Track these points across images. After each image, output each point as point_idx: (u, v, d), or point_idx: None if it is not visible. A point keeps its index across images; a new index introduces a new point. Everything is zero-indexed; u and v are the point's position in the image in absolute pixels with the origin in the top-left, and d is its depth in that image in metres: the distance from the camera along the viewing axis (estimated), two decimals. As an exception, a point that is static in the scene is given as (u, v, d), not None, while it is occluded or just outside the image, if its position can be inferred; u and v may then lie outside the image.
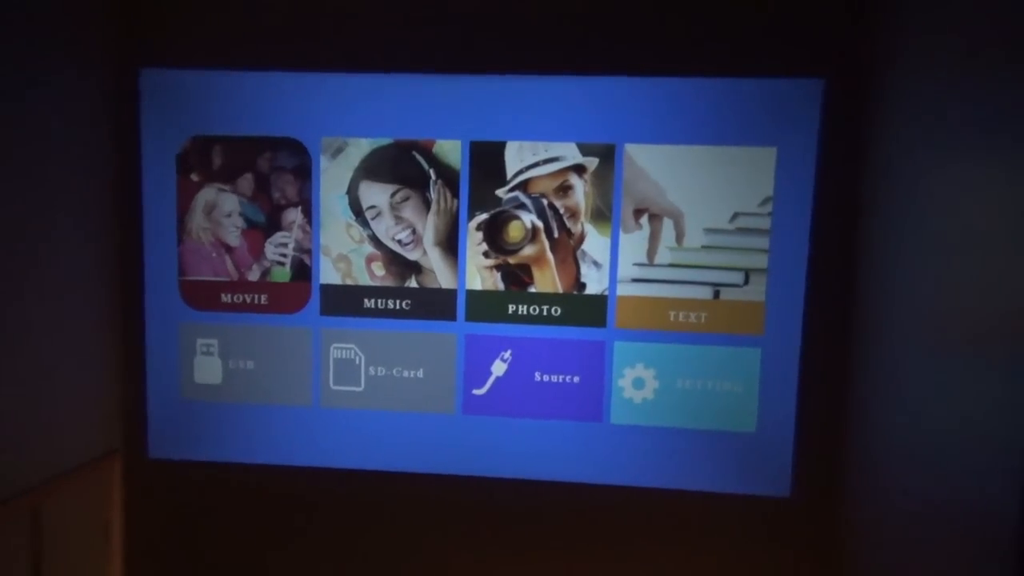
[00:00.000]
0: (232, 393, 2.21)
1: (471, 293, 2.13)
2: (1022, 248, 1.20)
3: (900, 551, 1.68)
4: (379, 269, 2.15)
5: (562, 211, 2.08)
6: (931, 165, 1.59)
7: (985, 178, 1.37)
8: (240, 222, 2.16)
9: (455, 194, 2.10)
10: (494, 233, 2.10)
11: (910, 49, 1.73)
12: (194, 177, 2.16)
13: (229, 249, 2.18)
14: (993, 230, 1.33)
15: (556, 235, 2.08)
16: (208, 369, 2.21)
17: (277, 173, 2.14)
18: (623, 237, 2.07)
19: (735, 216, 2.04)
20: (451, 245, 2.12)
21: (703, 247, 2.06)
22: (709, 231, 2.05)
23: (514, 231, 2.09)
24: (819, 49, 1.98)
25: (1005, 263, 1.26)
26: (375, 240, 2.14)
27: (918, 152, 1.66)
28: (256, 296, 2.18)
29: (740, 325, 2.07)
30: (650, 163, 2.04)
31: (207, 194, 2.16)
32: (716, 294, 2.07)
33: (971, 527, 1.35)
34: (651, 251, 2.07)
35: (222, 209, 2.16)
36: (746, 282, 2.06)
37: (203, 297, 2.19)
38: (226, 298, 2.18)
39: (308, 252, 2.15)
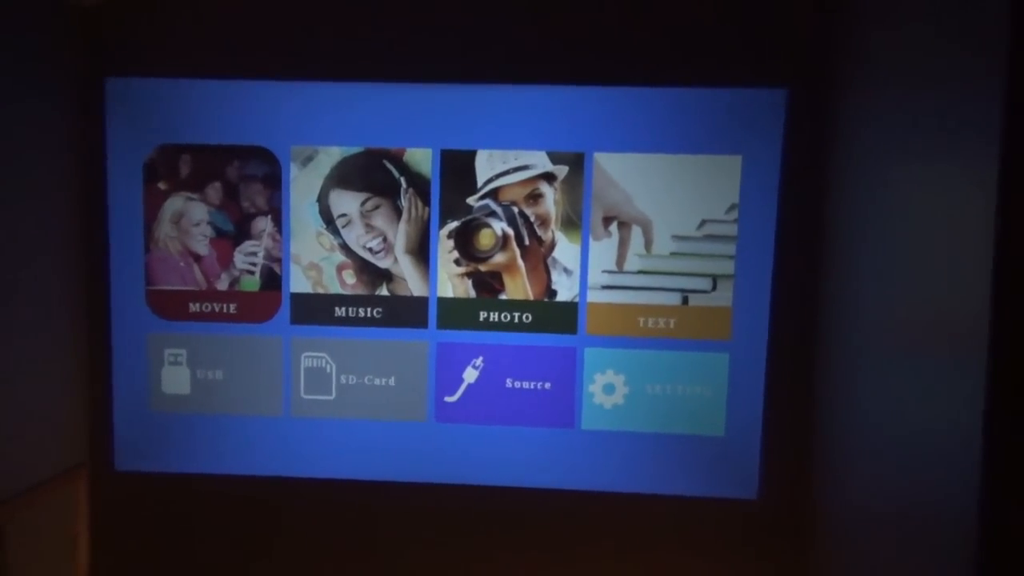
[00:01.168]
0: (201, 403, 2.19)
1: (442, 301, 2.13)
2: (977, 254, 1.23)
3: (865, 552, 1.71)
4: (350, 277, 2.14)
5: (532, 219, 2.09)
6: (890, 172, 1.64)
7: (942, 185, 1.41)
8: (209, 231, 2.14)
9: (426, 202, 2.11)
10: (465, 241, 2.11)
11: (870, 60, 1.78)
12: (161, 186, 2.14)
13: (197, 258, 2.16)
14: (949, 236, 1.37)
15: (527, 243, 2.10)
16: (176, 379, 2.18)
17: (246, 182, 2.12)
18: (593, 244, 2.09)
19: (703, 223, 2.07)
20: (422, 253, 2.12)
21: (672, 254, 2.08)
22: (677, 238, 2.08)
23: (485, 239, 2.10)
24: (782, 60, 2.02)
25: (962, 269, 1.30)
26: (346, 248, 2.13)
27: (877, 160, 1.71)
28: (225, 305, 2.16)
29: (708, 330, 2.10)
30: (619, 171, 2.07)
31: (175, 203, 2.14)
32: (685, 300, 2.10)
33: (933, 528, 1.38)
34: (620, 258, 2.09)
35: (190, 218, 2.14)
36: (714, 288, 2.09)
37: (171, 307, 2.16)
38: (195, 307, 2.16)
39: (278, 261, 2.14)
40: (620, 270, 2.09)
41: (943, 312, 1.38)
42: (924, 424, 1.43)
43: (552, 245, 2.10)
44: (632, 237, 2.08)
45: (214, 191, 2.13)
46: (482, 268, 2.12)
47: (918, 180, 1.51)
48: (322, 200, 2.12)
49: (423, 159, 2.09)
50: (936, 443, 1.38)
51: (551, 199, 2.09)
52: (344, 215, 2.12)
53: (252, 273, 2.15)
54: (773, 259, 2.06)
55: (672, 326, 2.10)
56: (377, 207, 2.12)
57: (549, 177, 2.08)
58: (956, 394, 1.30)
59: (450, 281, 2.12)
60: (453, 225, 2.10)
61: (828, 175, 1.99)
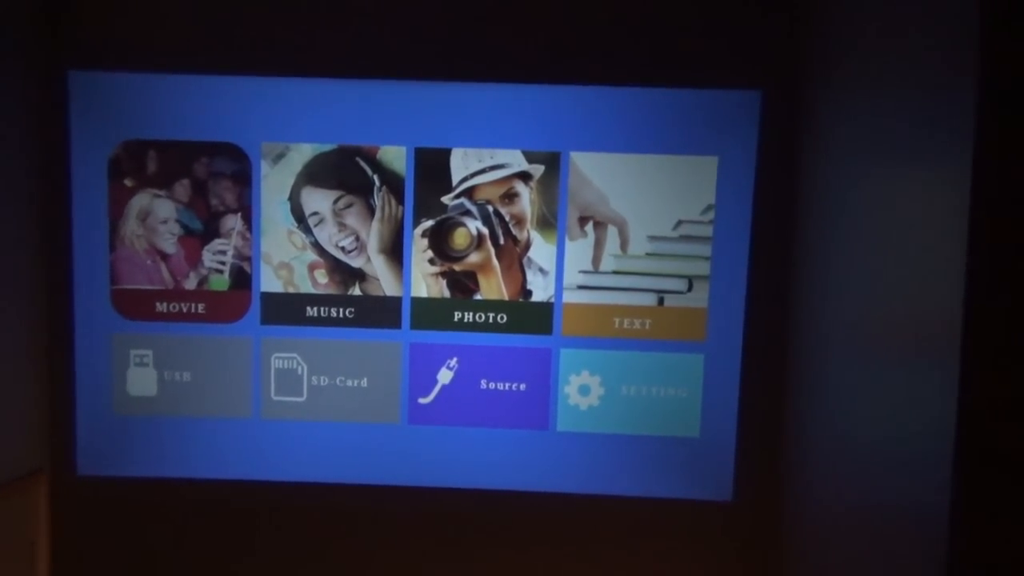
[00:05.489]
0: (168, 405, 2.13)
1: (416, 300, 2.10)
2: (950, 256, 1.24)
3: (839, 553, 1.72)
4: (322, 277, 2.11)
5: (508, 218, 2.08)
6: (863, 174, 1.65)
7: (915, 186, 1.42)
8: (176, 229, 2.10)
9: (400, 201, 2.08)
10: (439, 240, 2.08)
11: (844, 62, 1.78)
12: (127, 182, 2.08)
13: (165, 257, 2.10)
14: (922, 238, 1.37)
15: (502, 242, 2.08)
16: (142, 381, 2.13)
17: (215, 179, 2.08)
18: (568, 244, 2.08)
19: (678, 224, 2.07)
20: (396, 252, 2.09)
21: (647, 254, 2.08)
22: (653, 239, 2.07)
23: (459, 238, 2.08)
24: (756, 62, 2.03)
25: (935, 271, 1.30)
26: (318, 247, 2.10)
27: (851, 161, 1.72)
28: (193, 305, 2.11)
29: (683, 331, 2.10)
30: (595, 171, 2.06)
31: (141, 200, 2.09)
32: (660, 301, 2.09)
33: (905, 530, 1.39)
34: (596, 258, 2.08)
35: (157, 215, 2.09)
36: (689, 289, 2.09)
37: (137, 306, 2.11)
38: (161, 307, 2.11)
39: (248, 259, 2.10)
40: (596, 270, 2.08)
41: (916, 314, 1.38)
42: (896, 426, 1.44)
43: (527, 245, 2.08)
44: (608, 237, 2.07)
45: (182, 188, 2.08)
46: (457, 268, 2.09)
47: (891, 181, 1.52)
48: (293, 198, 2.08)
49: (397, 157, 2.07)
50: (908, 445, 1.38)
51: (527, 198, 2.07)
52: (316, 213, 2.09)
53: (221, 272, 2.10)
54: (748, 260, 2.06)
55: (648, 327, 2.10)
56: (350, 205, 2.08)
57: (525, 176, 2.07)
58: (928, 396, 1.30)
59: (424, 281, 2.10)
60: (427, 224, 2.08)
61: (802, 176, 2.00)
